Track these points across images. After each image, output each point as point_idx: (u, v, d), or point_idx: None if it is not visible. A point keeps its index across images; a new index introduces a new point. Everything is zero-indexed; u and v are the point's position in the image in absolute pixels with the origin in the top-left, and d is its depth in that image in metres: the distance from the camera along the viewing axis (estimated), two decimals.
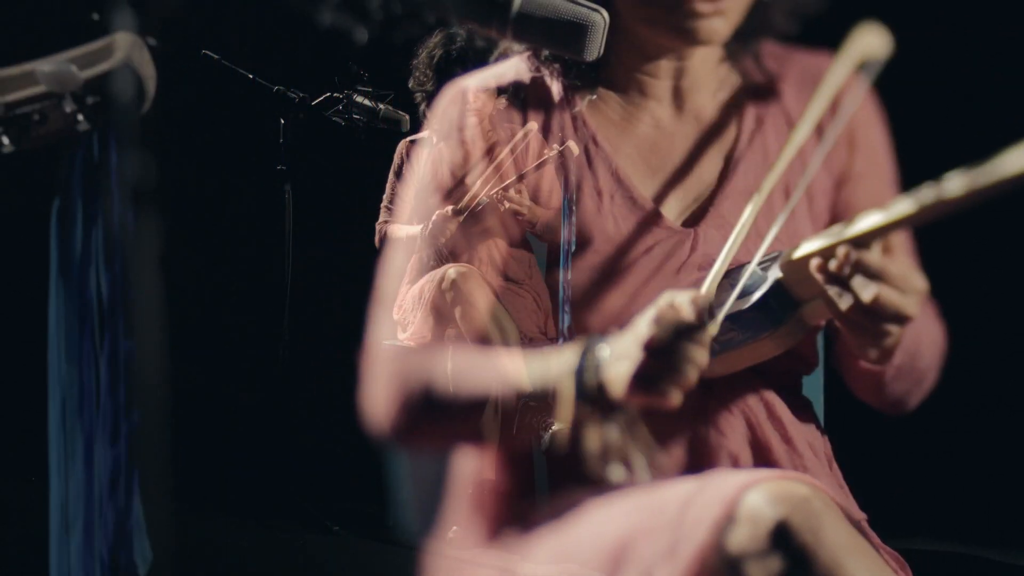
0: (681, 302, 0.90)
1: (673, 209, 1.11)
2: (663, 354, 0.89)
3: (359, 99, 2.81)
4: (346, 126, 2.90)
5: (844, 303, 0.93)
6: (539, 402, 0.98)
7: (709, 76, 1.13)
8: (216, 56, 3.06)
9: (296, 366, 3.46)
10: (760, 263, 0.99)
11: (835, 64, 1.06)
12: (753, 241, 1.02)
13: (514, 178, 1.09)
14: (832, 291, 0.93)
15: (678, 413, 0.93)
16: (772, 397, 1.07)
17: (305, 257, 3.64)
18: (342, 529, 3.05)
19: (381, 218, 3.16)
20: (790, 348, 1.01)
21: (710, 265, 1.01)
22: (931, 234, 1.00)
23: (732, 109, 1.15)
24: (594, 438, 0.96)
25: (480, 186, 1.10)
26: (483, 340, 1.16)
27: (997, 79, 3.19)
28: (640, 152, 1.13)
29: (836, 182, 1.14)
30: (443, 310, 1.07)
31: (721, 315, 0.92)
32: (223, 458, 4.06)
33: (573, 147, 1.05)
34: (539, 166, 1.09)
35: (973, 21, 3.21)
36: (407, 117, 2.80)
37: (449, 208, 1.08)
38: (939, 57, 3.24)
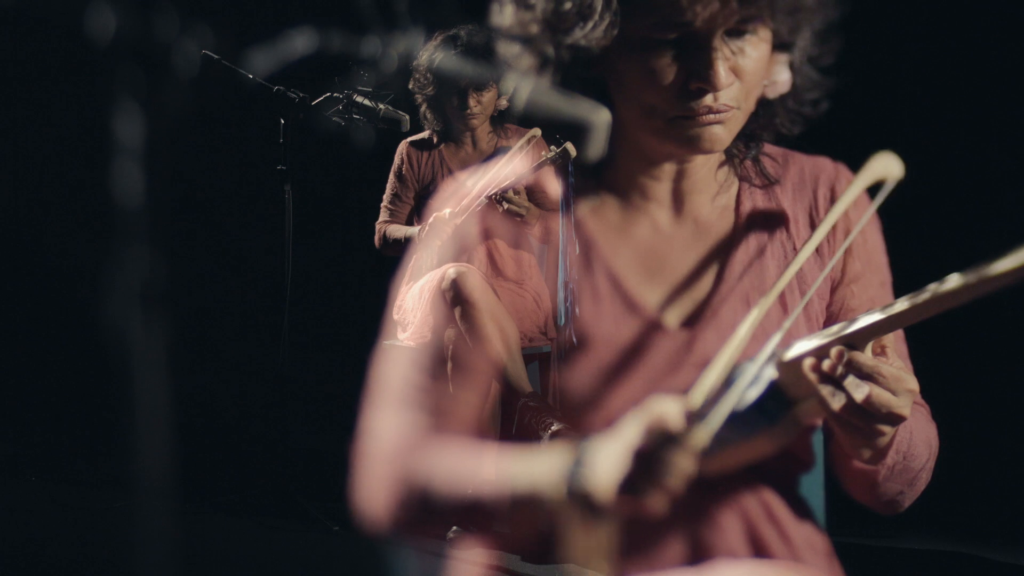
0: (669, 409, 0.90)
1: (671, 311, 1.12)
2: (649, 462, 0.88)
3: (359, 99, 2.80)
4: (346, 126, 2.90)
5: (837, 403, 0.94)
6: (525, 506, 0.99)
7: (709, 179, 1.15)
8: (216, 56, 3.06)
9: (296, 366, 3.46)
10: (755, 362, 1.01)
11: (851, 186, 1.08)
12: (749, 344, 1.03)
13: (514, 179, 1.09)
14: (825, 391, 0.95)
15: (675, 511, 0.94)
16: (770, 495, 1.08)
17: (305, 257, 3.64)
18: (342, 529, 3.05)
19: (381, 218, 3.15)
20: (786, 446, 1.01)
21: (706, 366, 1.02)
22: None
23: (730, 212, 1.17)
24: (580, 539, 0.96)
25: (480, 188, 1.11)
26: (483, 340, 1.16)
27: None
28: (638, 255, 1.14)
29: (832, 284, 1.15)
30: (443, 310, 1.07)
31: (713, 419, 0.92)
32: (223, 458, 4.07)
33: (571, 148, 1.06)
34: (538, 167, 1.09)
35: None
36: (407, 117, 2.79)
37: (447, 211, 1.08)
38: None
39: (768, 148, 1.15)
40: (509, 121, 2.90)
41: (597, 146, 0.82)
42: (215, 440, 4.25)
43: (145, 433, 0.61)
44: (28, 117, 4.61)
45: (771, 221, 1.16)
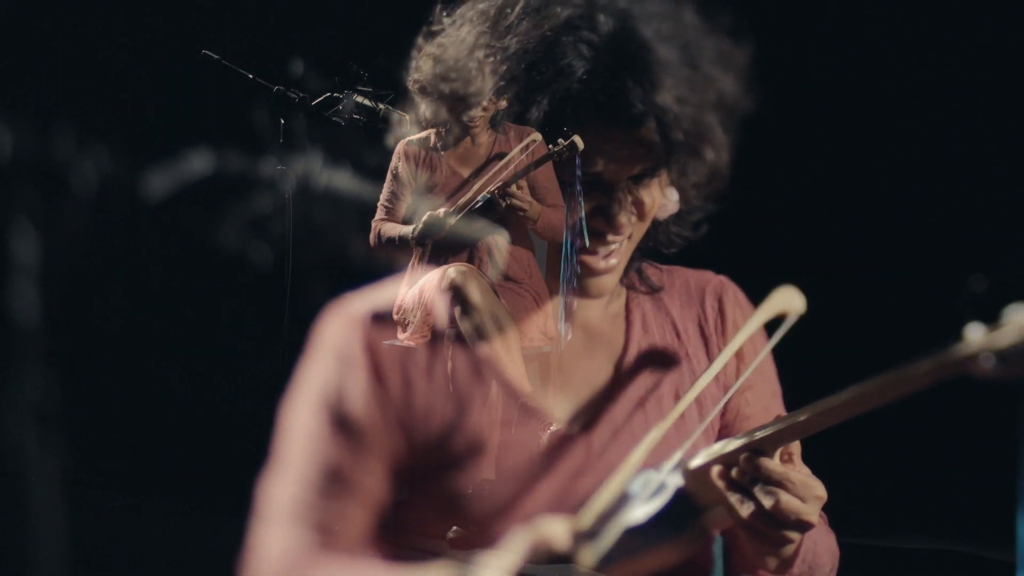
0: (555, 530, 0.91)
1: (566, 417, 1.14)
2: None
3: (359, 99, 2.80)
4: (346, 126, 2.90)
5: (745, 510, 0.95)
6: None
7: (601, 296, 1.18)
8: (216, 56, 3.05)
9: (296, 366, 3.45)
10: (660, 470, 1.01)
11: (752, 318, 1.10)
12: (651, 453, 1.03)
13: (516, 175, 1.09)
14: (733, 498, 0.95)
15: None
16: None
17: (305, 257, 3.63)
18: None
19: (377, 216, 3.15)
20: (688, 555, 1.01)
21: (604, 472, 1.03)
22: None
23: (621, 319, 1.20)
24: None
25: (481, 184, 1.10)
26: (483, 340, 1.16)
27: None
28: (530, 363, 1.14)
29: (725, 392, 1.17)
30: (443, 310, 1.07)
31: (605, 537, 0.93)
32: (223, 458, 4.06)
33: (579, 141, 1.05)
34: (542, 160, 1.08)
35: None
36: (408, 117, 2.79)
37: (442, 209, 1.08)
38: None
39: (651, 261, 1.20)
40: (508, 120, 2.91)
41: (496, 267, 0.84)
42: (215, 440, 4.25)
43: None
44: None
45: (662, 328, 1.20)
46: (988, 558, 2.94)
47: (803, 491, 0.94)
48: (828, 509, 1.21)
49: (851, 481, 1.14)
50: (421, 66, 1.09)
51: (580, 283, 1.09)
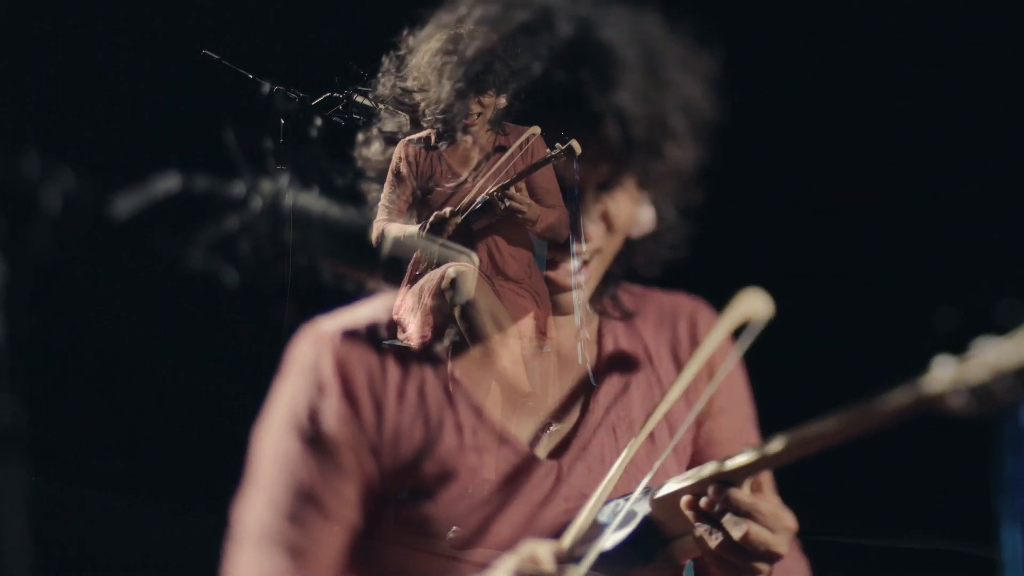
0: (540, 552, 0.91)
1: (536, 442, 1.14)
2: None
3: (359, 99, 2.80)
4: (346, 126, 2.90)
5: (714, 541, 0.94)
6: None
7: (571, 313, 1.16)
8: (216, 56, 3.05)
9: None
10: (629, 499, 1.01)
11: (716, 326, 1.08)
12: (622, 479, 1.03)
13: (515, 176, 1.09)
14: (702, 528, 0.95)
15: None
16: None
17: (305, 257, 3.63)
18: None
19: (378, 216, 3.15)
20: None
21: (575, 497, 1.04)
22: None
23: (593, 345, 1.19)
24: None
25: (481, 185, 1.10)
26: (482, 340, 1.16)
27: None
28: (502, 387, 1.14)
29: (699, 417, 1.17)
30: (443, 310, 1.07)
31: (585, 560, 0.92)
32: (223, 458, 4.06)
33: (576, 145, 1.05)
34: (541, 164, 1.08)
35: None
36: (407, 117, 2.79)
37: (447, 209, 1.08)
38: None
39: (625, 284, 1.18)
40: (508, 119, 2.91)
41: (465, 291, 0.83)
42: (215, 440, 4.25)
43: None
44: None
45: (634, 354, 1.20)
46: (988, 558, 2.94)
47: (772, 522, 0.94)
48: (827, 509, 1.20)
49: (848, 478, 1.13)
50: (383, 80, 1.11)
51: (551, 299, 1.09)
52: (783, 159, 3.34)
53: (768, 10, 3.06)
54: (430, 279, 1.08)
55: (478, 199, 1.09)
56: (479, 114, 1.12)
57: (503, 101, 1.14)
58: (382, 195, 1.14)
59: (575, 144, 1.05)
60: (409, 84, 1.09)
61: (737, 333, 1.08)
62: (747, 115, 1.11)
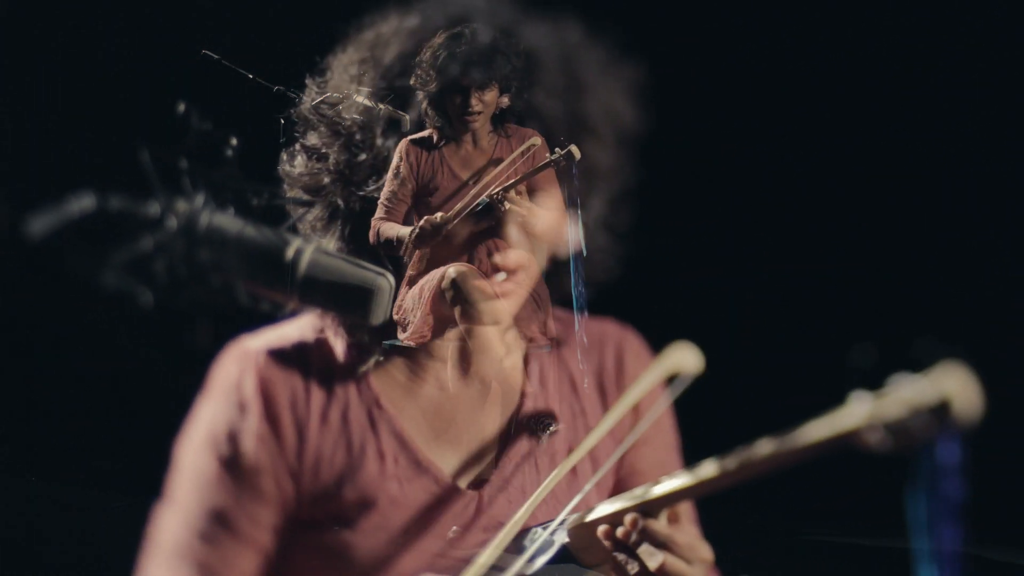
0: None
1: (458, 471, 1.13)
2: None
3: (359, 99, 2.80)
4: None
5: (631, 570, 0.95)
6: None
7: (496, 341, 1.16)
8: (216, 56, 3.05)
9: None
10: (547, 528, 1.01)
11: (645, 376, 1.08)
12: (541, 509, 1.03)
13: (515, 180, 1.08)
14: (619, 558, 0.95)
15: None
16: None
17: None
18: None
19: (377, 214, 3.15)
20: None
21: (494, 527, 1.03)
22: None
23: (518, 372, 1.19)
24: None
25: (480, 188, 1.10)
26: (483, 339, 1.15)
27: None
28: (424, 414, 1.14)
29: (619, 446, 1.15)
30: (443, 310, 1.06)
31: None
32: None
33: (575, 151, 1.05)
34: (540, 168, 1.08)
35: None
36: (407, 117, 2.78)
37: (439, 215, 1.08)
38: None
39: (553, 310, 1.16)
40: (510, 120, 2.91)
41: (381, 311, 0.82)
42: None
43: None
44: None
45: (559, 382, 1.19)
46: (988, 558, 2.94)
47: (688, 553, 0.94)
48: (827, 508, 1.20)
49: (846, 477, 1.13)
50: (305, 97, 1.14)
51: (475, 311, 1.07)
52: (710, 183, 3.36)
53: (699, 29, 3.07)
54: (430, 279, 1.08)
55: (477, 201, 1.09)
56: (480, 112, 1.12)
57: (505, 100, 1.14)
58: (382, 193, 1.14)
59: (574, 149, 1.05)
60: (327, 96, 1.10)
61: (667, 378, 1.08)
62: (672, 133, 1.11)
